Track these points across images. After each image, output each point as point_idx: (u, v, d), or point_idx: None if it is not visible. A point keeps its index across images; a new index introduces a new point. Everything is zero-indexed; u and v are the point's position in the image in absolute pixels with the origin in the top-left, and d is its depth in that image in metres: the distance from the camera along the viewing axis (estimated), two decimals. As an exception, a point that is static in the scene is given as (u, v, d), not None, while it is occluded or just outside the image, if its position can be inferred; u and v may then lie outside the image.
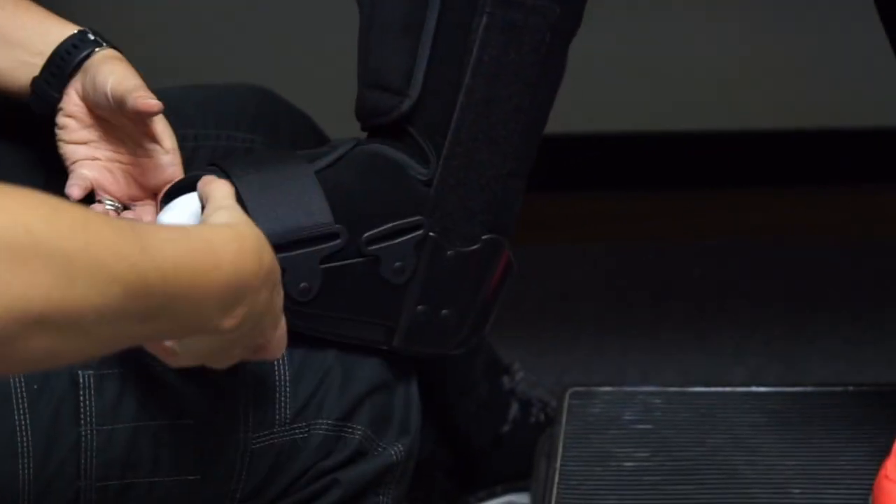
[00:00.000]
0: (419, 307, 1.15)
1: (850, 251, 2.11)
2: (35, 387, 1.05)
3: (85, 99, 1.16)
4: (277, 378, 1.12)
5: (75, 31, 1.16)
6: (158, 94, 1.18)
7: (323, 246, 1.11)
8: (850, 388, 1.41)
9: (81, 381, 1.06)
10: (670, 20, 2.18)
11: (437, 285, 1.15)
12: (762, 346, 1.91)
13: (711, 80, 2.21)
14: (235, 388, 1.10)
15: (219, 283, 0.87)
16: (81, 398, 1.06)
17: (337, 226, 1.11)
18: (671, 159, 2.26)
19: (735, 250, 2.13)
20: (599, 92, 2.16)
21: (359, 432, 1.14)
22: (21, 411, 1.04)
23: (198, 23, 2.21)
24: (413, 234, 1.14)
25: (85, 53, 1.15)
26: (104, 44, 1.16)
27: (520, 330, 1.89)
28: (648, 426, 1.38)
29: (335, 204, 1.11)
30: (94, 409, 1.06)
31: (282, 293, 0.98)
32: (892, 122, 2.21)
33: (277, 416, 1.11)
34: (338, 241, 1.11)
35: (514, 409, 1.53)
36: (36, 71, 1.16)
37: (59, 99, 1.15)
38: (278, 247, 1.06)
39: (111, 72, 1.14)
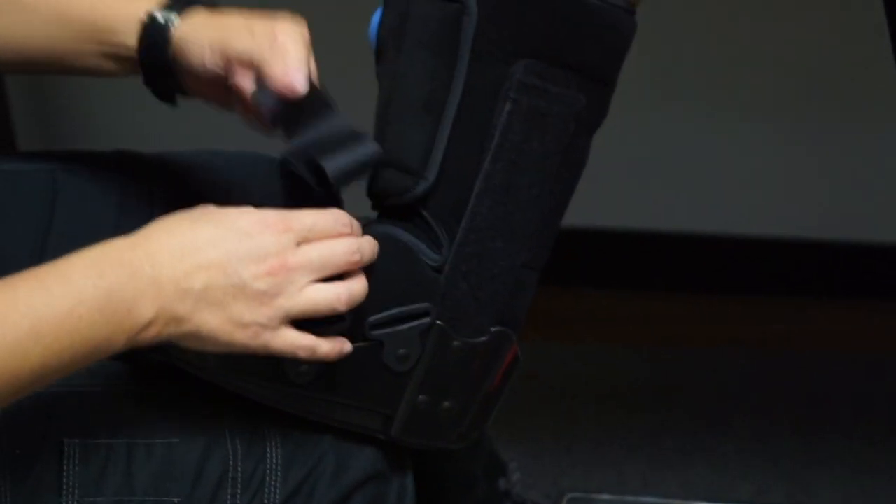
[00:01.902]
0: (420, 397, 1.13)
1: (865, 367, 2.09)
2: (18, 451, 1.03)
3: (188, 72, 1.14)
4: (269, 462, 1.09)
5: (143, 20, 1.14)
6: (167, 156, 1.16)
7: (325, 328, 1.07)
8: (861, 514, 1.38)
9: (66, 449, 1.04)
10: (689, 120, 2.18)
11: (441, 376, 1.13)
12: (769, 463, 1.88)
13: (729, 183, 2.20)
14: (225, 469, 1.08)
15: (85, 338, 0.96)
16: (65, 467, 1.04)
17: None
18: (683, 261, 2.25)
19: (745, 360, 2.11)
20: (613, 187, 2.14)
21: (349, 524, 1.12)
22: (2, 476, 1.02)
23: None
24: (419, 322, 1.11)
25: (165, 39, 1.13)
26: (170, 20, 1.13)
27: (517, 428, 1.87)
28: (648, 540, 1.34)
29: None
30: (77, 479, 1.04)
31: (249, 273, 1.00)
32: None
33: (266, 501, 1.09)
34: (341, 324, 1.08)
35: (509, 512, 1.49)
36: (118, 64, 1.16)
37: (177, 88, 1.16)
38: None
39: (197, 52, 1.11)
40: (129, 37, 1.13)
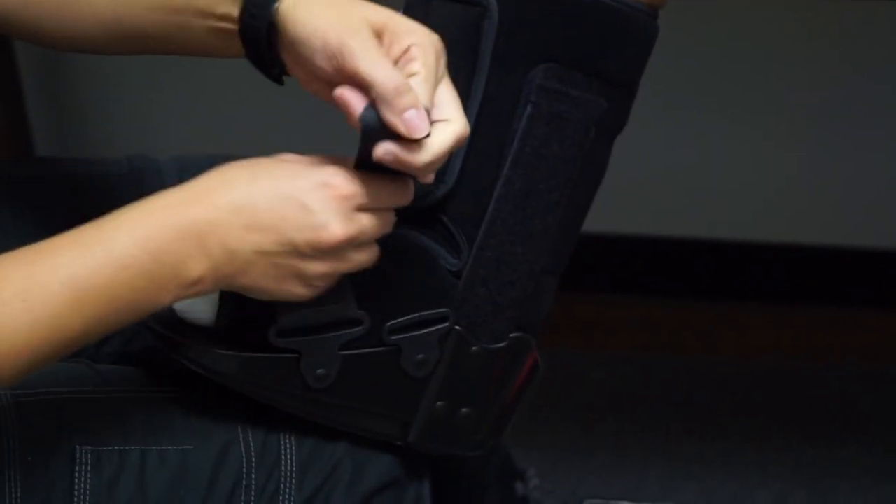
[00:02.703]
0: (438, 403, 1.12)
1: (885, 375, 2.08)
2: (29, 459, 1.02)
3: (296, 64, 1.00)
4: (283, 468, 1.09)
5: None
6: (183, 161, 1.14)
7: (343, 332, 1.07)
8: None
9: (79, 456, 1.03)
10: (712, 130, 2.17)
11: (459, 382, 1.12)
12: (789, 471, 1.87)
13: (751, 190, 2.19)
14: (239, 475, 1.07)
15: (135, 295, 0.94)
16: (77, 474, 1.03)
17: (360, 312, 1.07)
18: (705, 269, 2.23)
19: (765, 368, 2.10)
20: (634, 193, 2.13)
21: (365, 531, 1.11)
22: (13, 483, 1.02)
23: (219, 96, 2.19)
24: (438, 327, 1.10)
25: (269, 13, 0.99)
26: None
27: (536, 434, 1.87)
28: (666, 548, 1.33)
29: (359, 288, 1.08)
30: (89, 486, 1.03)
31: (291, 234, 0.97)
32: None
33: (280, 508, 1.08)
34: (359, 328, 1.07)
35: (527, 517, 1.49)
36: (223, 41, 1.03)
37: (277, 65, 1.02)
38: (296, 329, 1.05)
39: (305, 45, 0.97)
40: (232, 7, 1.00)
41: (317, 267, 0.99)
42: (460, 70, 1.08)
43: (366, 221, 0.99)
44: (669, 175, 2.19)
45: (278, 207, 0.96)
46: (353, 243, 0.99)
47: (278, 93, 2.15)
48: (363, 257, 1.01)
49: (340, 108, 0.97)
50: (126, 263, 0.93)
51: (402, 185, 1.01)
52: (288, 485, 1.08)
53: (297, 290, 1.00)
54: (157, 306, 0.97)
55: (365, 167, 0.99)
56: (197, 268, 0.96)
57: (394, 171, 0.99)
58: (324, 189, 0.97)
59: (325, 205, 0.97)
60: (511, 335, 1.12)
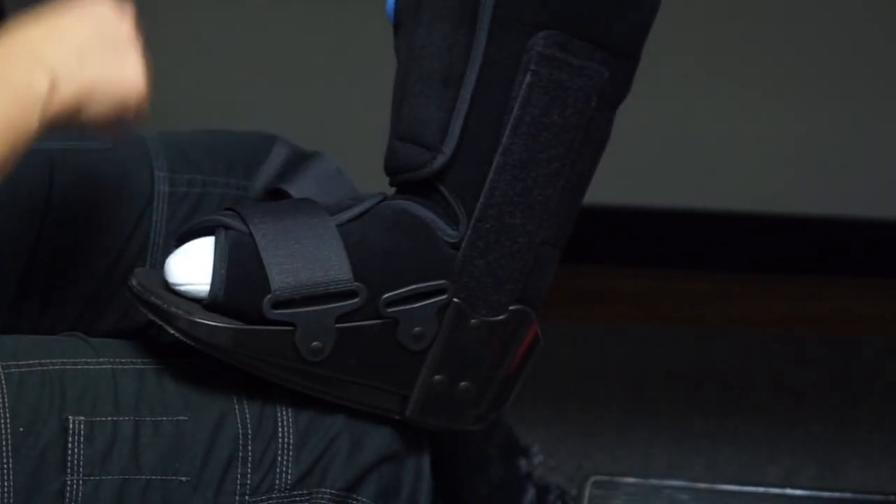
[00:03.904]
0: (436, 377, 1.11)
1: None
2: (21, 429, 1.02)
3: None
4: (281, 441, 1.08)
5: None
6: (167, 136, 1.19)
7: (339, 304, 1.07)
8: (892, 497, 1.36)
9: (71, 426, 1.03)
10: (717, 97, 2.16)
11: (458, 355, 1.11)
12: (798, 445, 1.87)
13: (755, 161, 2.18)
14: (235, 447, 1.07)
15: None
16: (70, 445, 1.03)
17: (356, 284, 1.07)
18: (712, 239, 2.23)
19: (777, 342, 2.10)
20: (645, 165, 2.13)
21: (364, 505, 1.11)
22: (4, 453, 1.02)
23: (217, 67, 2.18)
24: (436, 299, 1.09)
25: None
26: None
27: (541, 409, 1.87)
28: (673, 523, 1.33)
29: (356, 260, 1.07)
30: (82, 457, 1.03)
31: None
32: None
33: (278, 481, 1.08)
34: (355, 300, 1.07)
35: (530, 494, 1.48)
36: None
37: None
38: (291, 301, 1.05)
39: None
40: None
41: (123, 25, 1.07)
42: (459, 38, 1.08)
43: None
44: (671, 146, 2.19)
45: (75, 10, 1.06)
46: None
47: (267, 76, 2.15)
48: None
49: None
50: None
51: None
52: (285, 457, 1.08)
53: (131, 63, 1.06)
54: (39, 124, 1.01)
55: None
56: (42, 78, 1.01)
57: None
58: None
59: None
60: (511, 308, 1.11)
